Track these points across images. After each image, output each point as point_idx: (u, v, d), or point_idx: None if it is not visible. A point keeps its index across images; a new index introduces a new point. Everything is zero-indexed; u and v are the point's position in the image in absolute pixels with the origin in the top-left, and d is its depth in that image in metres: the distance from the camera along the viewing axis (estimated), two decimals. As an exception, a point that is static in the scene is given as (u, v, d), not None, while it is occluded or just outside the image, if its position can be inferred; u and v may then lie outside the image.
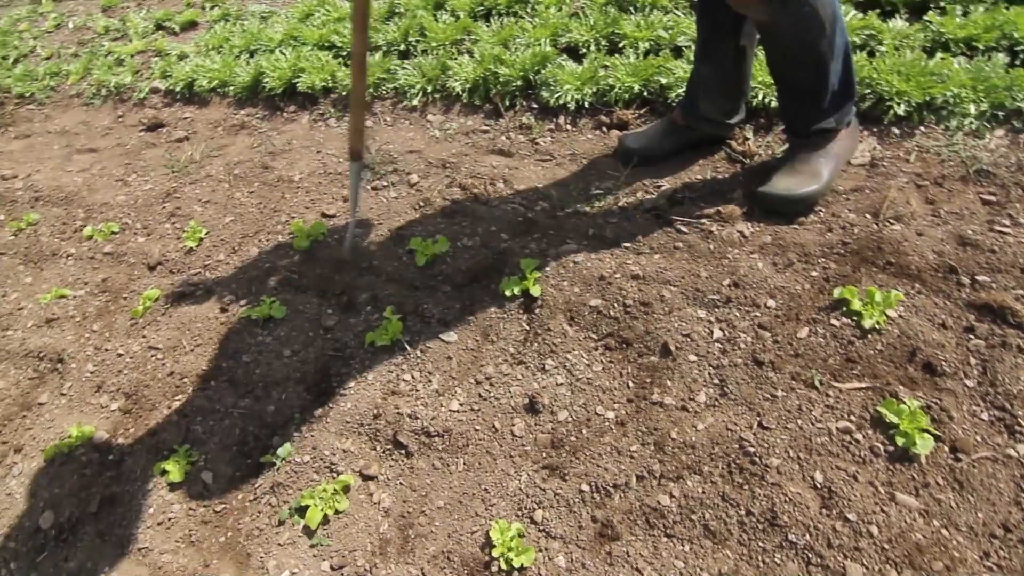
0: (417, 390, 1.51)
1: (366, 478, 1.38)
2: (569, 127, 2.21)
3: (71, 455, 1.57)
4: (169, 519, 1.40)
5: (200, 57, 3.04)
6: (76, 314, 1.96)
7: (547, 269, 1.68)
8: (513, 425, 1.40)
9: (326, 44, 2.81)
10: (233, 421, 1.54)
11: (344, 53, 2.74)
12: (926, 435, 1.20)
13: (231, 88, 2.80)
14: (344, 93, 2.57)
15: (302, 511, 1.33)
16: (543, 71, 2.29)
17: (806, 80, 1.58)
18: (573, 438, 1.36)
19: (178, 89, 2.93)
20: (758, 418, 1.32)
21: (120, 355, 1.78)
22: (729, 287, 1.56)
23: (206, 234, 2.11)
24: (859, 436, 1.25)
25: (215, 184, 2.37)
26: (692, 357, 1.44)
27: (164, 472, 1.47)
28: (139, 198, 2.39)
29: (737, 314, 1.51)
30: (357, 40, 1.55)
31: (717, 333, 1.48)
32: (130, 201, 2.39)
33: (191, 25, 3.56)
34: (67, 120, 3.12)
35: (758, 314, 1.50)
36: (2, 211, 2.52)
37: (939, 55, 1.94)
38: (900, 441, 1.22)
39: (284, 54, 2.77)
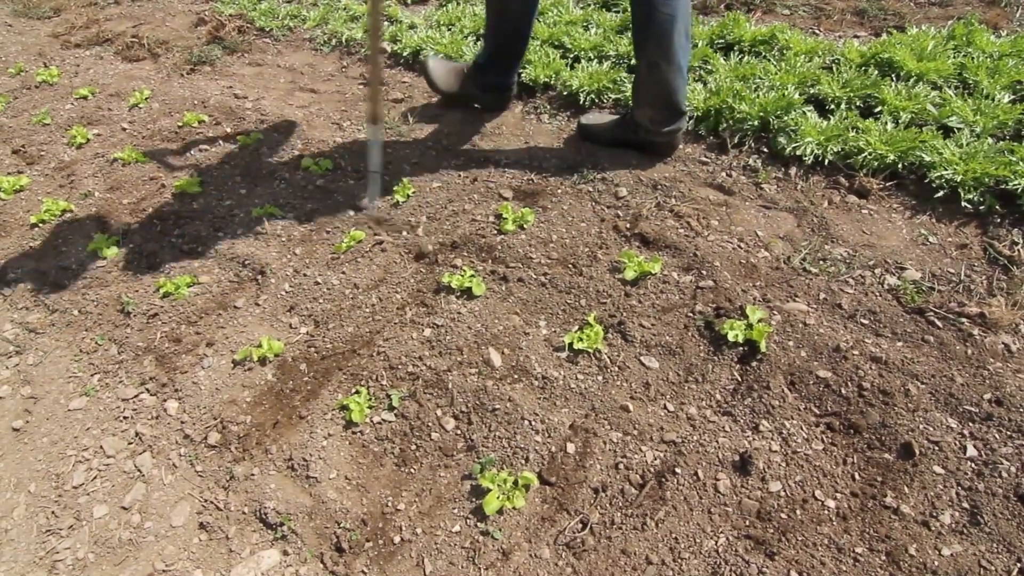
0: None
1: (544, 483, 1.30)
2: (799, 180, 2.06)
3: (259, 363, 1.61)
4: (342, 456, 1.39)
5: (430, 30, 3.16)
6: (283, 234, 2.05)
7: (772, 322, 1.54)
8: (717, 480, 1.27)
9: (555, 43, 2.83)
10: (420, 377, 1.52)
11: (571, 55, 2.74)
12: None
13: (454, 63, 2.88)
14: (564, 92, 2.56)
15: (479, 492, 1.27)
16: (785, 117, 2.15)
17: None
18: (784, 516, 1.21)
19: (404, 55, 3.06)
20: (1019, 563, 1.11)
21: (317, 283, 1.83)
22: (990, 403, 1.35)
23: (413, 192, 2.15)
24: None
25: (424, 149, 2.43)
26: (938, 469, 1.25)
27: (344, 408, 1.47)
28: (354, 144, 2.49)
29: (998, 436, 1.29)
30: (372, 18, 1.90)
31: (971, 451, 1.27)
32: (345, 144, 2.50)
33: (422, 0, 3.73)
34: (296, 59, 3.35)
35: (1025, 444, 1.28)
36: (231, 124, 2.72)
37: None
38: None
39: (512, 43, 2.81)
